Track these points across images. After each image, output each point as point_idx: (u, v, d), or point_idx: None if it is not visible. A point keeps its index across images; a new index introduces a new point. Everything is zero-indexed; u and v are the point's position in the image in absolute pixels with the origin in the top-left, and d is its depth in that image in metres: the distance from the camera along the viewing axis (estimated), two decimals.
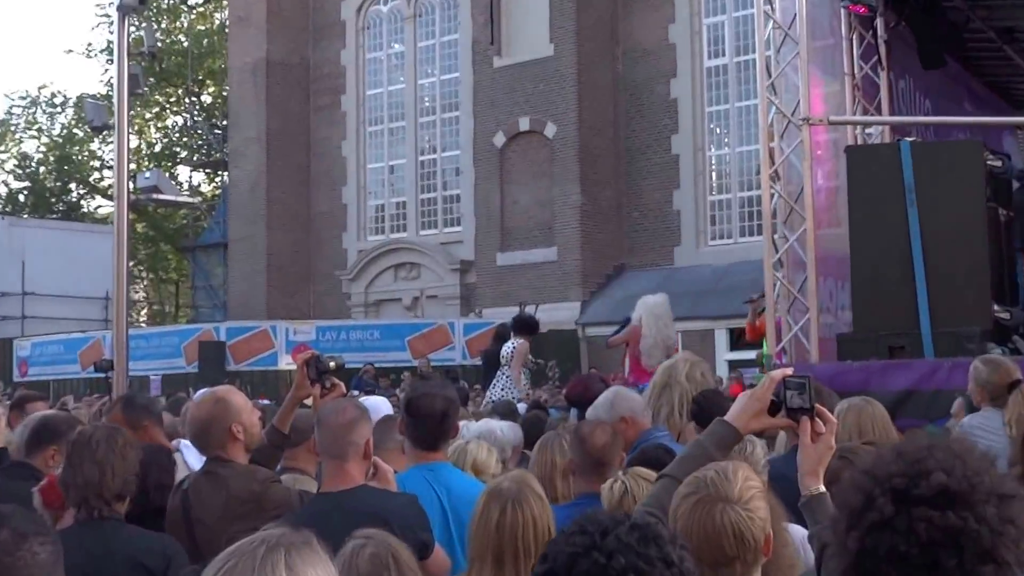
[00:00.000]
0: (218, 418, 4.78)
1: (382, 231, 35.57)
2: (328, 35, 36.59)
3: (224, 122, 41.29)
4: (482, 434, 6.43)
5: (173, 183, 44.10)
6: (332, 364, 5.15)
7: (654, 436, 5.90)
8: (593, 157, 30.14)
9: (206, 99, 49.72)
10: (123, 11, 14.91)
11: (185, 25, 50.58)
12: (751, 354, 20.47)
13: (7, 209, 48.81)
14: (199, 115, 46.82)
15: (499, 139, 31.12)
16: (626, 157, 30.91)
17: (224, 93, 43.35)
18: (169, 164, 48.97)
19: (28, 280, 37.64)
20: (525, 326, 15.14)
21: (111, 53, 41.94)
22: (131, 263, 39.13)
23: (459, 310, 31.99)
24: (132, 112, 38.24)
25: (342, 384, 5.18)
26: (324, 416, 4.47)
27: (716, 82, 30.20)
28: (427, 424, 4.94)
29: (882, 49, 13.58)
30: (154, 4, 47.47)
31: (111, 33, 45.97)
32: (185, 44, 48.35)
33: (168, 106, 51.35)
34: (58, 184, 51.51)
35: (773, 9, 11.73)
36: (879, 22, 13.52)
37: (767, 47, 11.67)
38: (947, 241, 10.30)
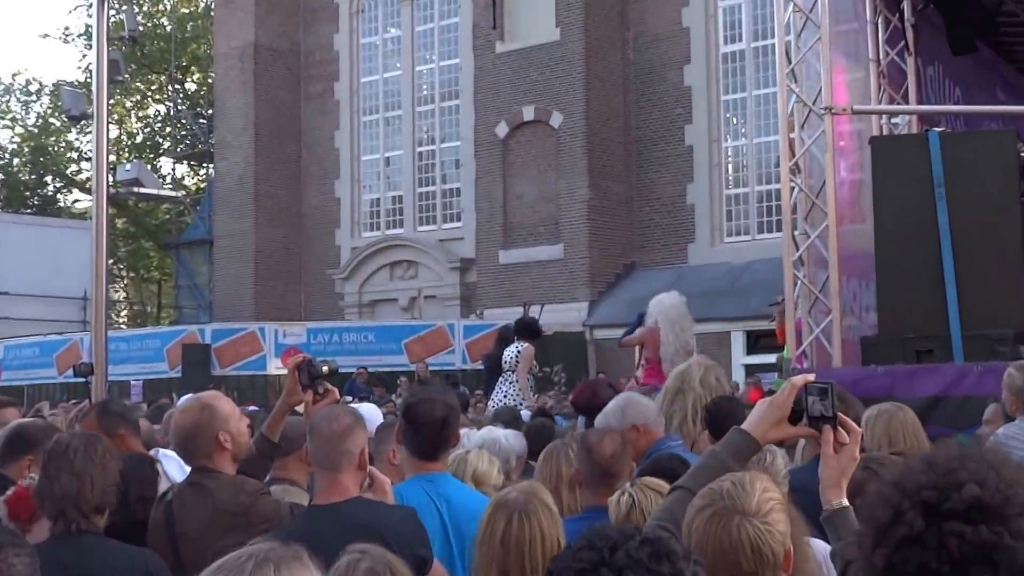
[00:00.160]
0: (204, 426, 4.77)
1: (377, 227, 35.58)
2: (320, 18, 36.60)
3: (209, 111, 41.30)
4: (485, 443, 6.43)
5: (155, 176, 44.29)
6: (325, 369, 5.14)
7: (667, 445, 5.90)
8: (602, 149, 30.14)
9: (190, 87, 49.74)
10: None
11: (168, 8, 50.63)
12: (769, 358, 20.48)
13: None
14: (183, 104, 46.82)
15: (502, 129, 31.12)
16: (637, 149, 30.91)
17: (209, 80, 43.37)
18: (151, 156, 49.01)
19: (1, 279, 37.64)
20: (528, 329, 15.13)
21: (89, 37, 42.01)
22: (110, 261, 39.20)
23: (459, 311, 31.99)
24: (112, 100, 38.21)
25: (336, 390, 5.18)
26: (316, 424, 4.47)
27: (732, 69, 30.19)
28: (426, 432, 4.93)
29: (909, 33, 13.58)
30: None
31: (89, 16, 46.11)
32: (168, 28, 48.39)
33: (150, 94, 51.35)
34: (33, 177, 51.54)
35: None
36: (906, 5, 13.52)
37: (787, 31, 11.66)
38: (978, 238, 10.29)
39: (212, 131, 39.34)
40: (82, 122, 35.47)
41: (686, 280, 26.30)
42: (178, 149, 45.40)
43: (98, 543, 4.35)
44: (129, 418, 6.14)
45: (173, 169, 48.72)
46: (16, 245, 38.10)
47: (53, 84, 50.83)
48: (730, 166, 30.72)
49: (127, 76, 35.74)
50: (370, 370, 25.11)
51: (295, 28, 36.95)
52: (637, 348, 13.54)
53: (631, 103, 30.96)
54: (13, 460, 5.51)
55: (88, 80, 42.91)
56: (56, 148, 51.71)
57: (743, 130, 30.44)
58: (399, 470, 5.16)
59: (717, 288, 27.00)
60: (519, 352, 14.34)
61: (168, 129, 48.79)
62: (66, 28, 69.63)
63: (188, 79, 49.76)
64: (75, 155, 51.94)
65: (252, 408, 14.14)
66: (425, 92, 34.95)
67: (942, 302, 10.27)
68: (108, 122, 15.64)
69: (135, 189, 40.42)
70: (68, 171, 52.09)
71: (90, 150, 37.55)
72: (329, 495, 4.34)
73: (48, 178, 52.10)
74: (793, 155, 11.45)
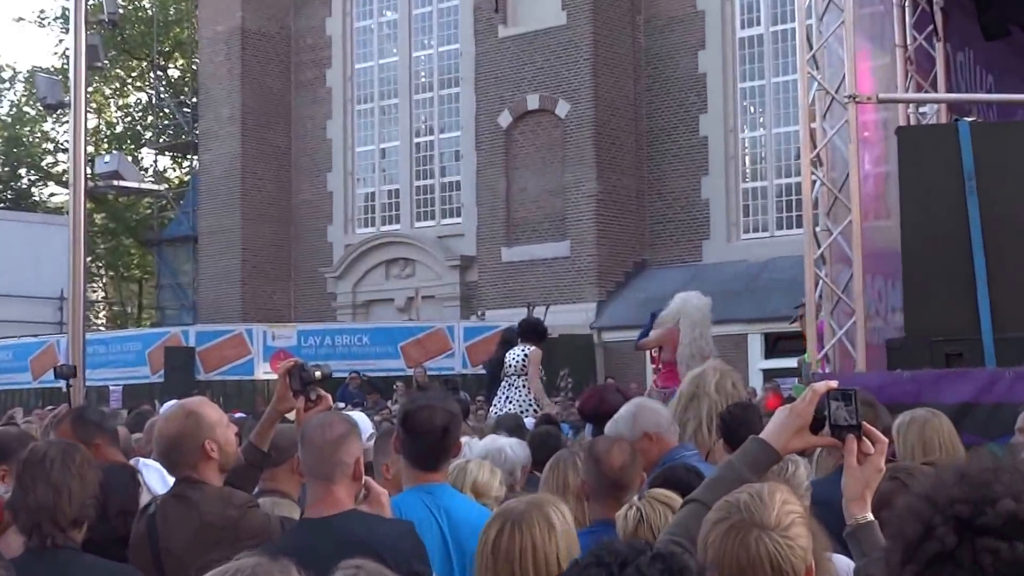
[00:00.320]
0: (189, 434, 4.76)
1: (372, 223, 35.59)
2: (311, 1, 36.61)
3: (194, 99, 41.31)
4: (489, 453, 6.43)
5: (136, 168, 44.25)
6: (318, 374, 5.13)
7: (681, 455, 5.90)
8: (611, 139, 30.14)
9: (173, 73, 49.75)
10: None
11: None
12: (789, 362, 20.46)
13: None
14: (165, 92, 46.81)
15: (504, 119, 31.12)
16: (648, 139, 30.91)
17: (194, 66, 43.38)
18: (131, 147, 49.00)
19: None
20: (534, 331, 15.09)
21: (66, 21, 41.96)
22: (88, 258, 39.18)
23: (459, 312, 31.99)
24: (90, 88, 38.21)
25: (329, 396, 5.18)
26: (308, 432, 4.46)
27: (750, 54, 30.19)
28: (426, 441, 4.93)
29: (938, 17, 13.55)
30: None
31: None
32: (150, 11, 48.41)
33: (130, 81, 51.37)
34: (6, 169, 51.57)
35: None
36: None
37: (808, 15, 11.64)
38: (1011, 234, 10.28)
39: (196, 121, 39.34)
40: (59, 111, 35.45)
41: (700, 279, 26.29)
42: (160, 140, 45.40)
43: (75, 559, 4.35)
44: (106, 427, 6.13)
45: (155, 161, 48.80)
46: None
47: (28, 71, 50.87)
48: (747, 158, 30.71)
49: (106, 62, 35.68)
50: (364, 375, 25.12)
51: (285, 11, 36.96)
52: (656, 352, 13.49)
53: (642, 91, 30.95)
54: None
55: (65, 66, 42.87)
56: (31, 139, 51.75)
57: (761, 120, 30.43)
58: (395, 483, 5.16)
59: (733, 288, 26.99)
60: (526, 356, 14.28)
61: (150, 118, 48.76)
62: (41, 11, 70.06)
63: (171, 65, 49.77)
64: (51, 146, 52.00)
65: (239, 415, 14.15)
66: (423, 79, 34.95)
67: (973, 303, 10.25)
68: (86, 111, 15.66)
69: (115, 182, 40.41)
70: (44, 163, 52.13)
71: (67, 141, 37.59)
72: (322, 508, 4.33)
73: (22, 170, 52.15)
74: (814, 146, 11.43)
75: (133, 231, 47.30)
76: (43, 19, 62.31)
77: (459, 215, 33.62)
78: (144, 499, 5.33)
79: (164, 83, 47.63)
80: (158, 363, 28.51)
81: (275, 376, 5.31)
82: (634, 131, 30.76)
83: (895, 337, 11.05)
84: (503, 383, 14.49)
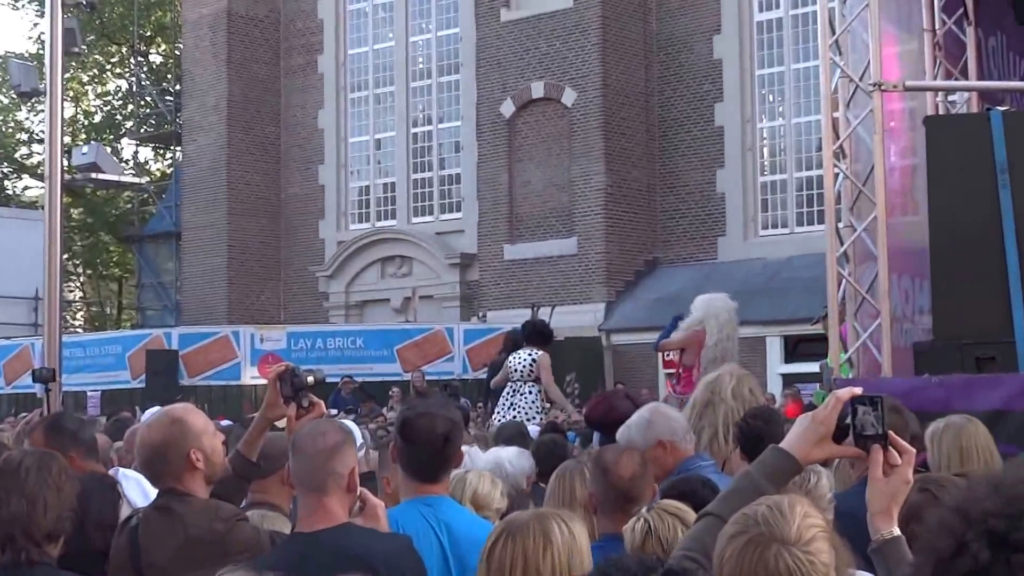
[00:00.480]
0: (174, 443, 4.76)
1: (366, 218, 35.60)
2: None
3: (177, 87, 41.30)
4: (497, 465, 6.45)
5: (115, 160, 44.24)
6: (310, 379, 5.13)
7: (696, 465, 5.90)
8: (620, 130, 30.14)
9: (155, 59, 49.75)
10: None
11: None
12: (810, 367, 20.46)
13: None
14: (147, 79, 46.81)
15: (507, 108, 31.13)
16: (660, 130, 30.91)
17: (177, 52, 43.36)
18: (110, 137, 49.00)
19: None
20: (540, 334, 15.08)
21: (41, 4, 41.97)
22: (65, 256, 39.14)
23: (459, 313, 31.99)
24: (66, 75, 38.20)
25: (322, 403, 5.18)
26: (300, 441, 4.46)
27: (768, 39, 30.18)
28: (426, 451, 4.93)
29: (968, 0, 13.55)
30: None
31: None
32: None
33: (109, 68, 51.37)
34: None
35: None
36: None
37: None
38: None
39: (179, 110, 39.33)
40: (33, 99, 35.42)
41: (716, 278, 26.29)
42: (141, 130, 45.37)
43: (50, 575, 4.35)
44: (81, 437, 6.14)
45: (135, 152, 48.81)
46: None
47: (0, 56, 50.88)
48: (765, 150, 30.71)
49: (84, 47, 35.71)
50: (358, 380, 25.12)
51: None
52: (668, 354, 13.49)
53: (653, 78, 30.94)
54: None
55: (40, 52, 42.87)
56: (4, 129, 51.75)
57: (780, 109, 30.42)
58: (395, 497, 5.16)
59: (751, 287, 26.96)
60: (534, 360, 14.26)
61: (130, 107, 48.74)
62: None
63: (153, 51, 49.76)
64: (25, 137, 51.96)
65: (225, 422, 14.14)
66: (421, 65, 34.95)
67: (1006, 303, 10.24)
68: (62, 99, 15.67)
69: (93, 175, 40.38)
70: (17, 155, 52.12)
71: (42, 131, 37.49)
72: (314, 521, 4.33)
73: None
74: (837, 137, 11.43)
75: (112, 227, 47.29)
76: (16, 2, 62.25)
77: (459, 210, 33.62)
78: (124, 511, 5.33)
79: (145, 69, 47.62)
80: (139, 367, 28.53)
81: (263, 381, 5.32)
82: (645, 121, 30.75)
83: (923, 340, 11.05)
84: (507, 389, 14.47)
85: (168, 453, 4.76)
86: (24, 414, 19.01)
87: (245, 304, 35.50)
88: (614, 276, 29.87)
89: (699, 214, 30.43)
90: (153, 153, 49.83)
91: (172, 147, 42.71)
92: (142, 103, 46.12)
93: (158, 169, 49.59)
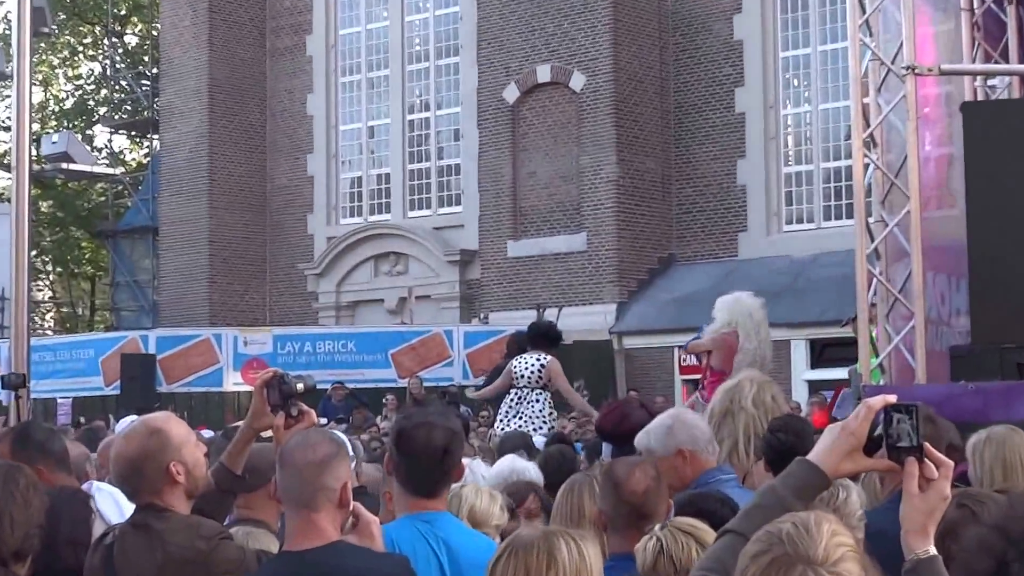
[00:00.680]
0: (152, 455, 4.77)
1: (358, 212, 35.60)
2: None
3: (154, 70, 41.32)
4: (511, 475, 6.47)
5: (88, 149, 44.26)
6: (300, 386, 5.12)
7: (716, 478, 5.90)
8: (633, 117, 30.14)
9: (131, 40, 49.75)
10: None
11: None
12: (838, 372, 20.44)
13: None
14: (121, 61, 46.84)
15: (511, 93, 31.13)
16: (676, 117, 30.90)
17: (154, 32, 43.38)
18: (82, 125, 49.00)
19: None
20: (546, 337, 15.05)
21: None
22: (33, 253, 39.16)
23: (459, 315, 31.99)
24: (35, 57, 38.12)
25: (312, 412, 5.17)
26: (288, 453, 4.46)
27: (793, 19, 30.18)
28: (423, 463, 4.93)
29: None
30: None
31: None
32: None
33: (82, 49, 51.35)
34: None
35: None
36: None
37: None
38: None
39: (157, 95, 39.35)
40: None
41: (736, 277, 26.30)
42: (116, 117, 45.39)
43: None
44: (50, 448, 6.14)
45: (109, 141, 48.73)
46: None
47: None
48: (790, 138, 30.70)
49: (54, 28, 35.74)
50: (349, 386, 25.11)
51: None
52: (686, 359, 13.45)
53: (669, 61, 30.94)
54: None
55: (7, 32, 42.91)
56: None
57: (806, 94, 30.41)
58: (391, 512, 5.17)
59: (774, 287, 26.90)
60: (543, 366, 14.22)
61: (103, 92, 48.77)
62: None
63: (128, 31, 49.76)
64: None
65: (207, 433, 14.15)
66: (418, 47, 34.95)
67: None
68: (31, 84, 15.67)
69: (63, 165, 40.43)
70: None
71: (9, 118, 37.46)
72: (303, 539, 4.33)
73: None
74: (867, 125, 11.43)
75: (84, 221, 47.27)
76: None
77: (458, 203, 33.61)
78: (98, 528, 5.33)
79: (120, 51, 47.64)
80: (113, 373, 28.53)
81: (248, 388, 5.33)
82: (660, 107, 30.74)
83: (959, 344, 11.05)
84: (511, 395, 14.43)
85: (146, 466, 4.76)
86: None
87: (228, 305, 35.50)
88: (626, 275, 29.86)
89: (718, 208, 30.42)
90: (128, 142, 49.80)
91: (149, 135, 42.71)
92: (116, 87, 46.15)
93: (134, 159, 49.57)
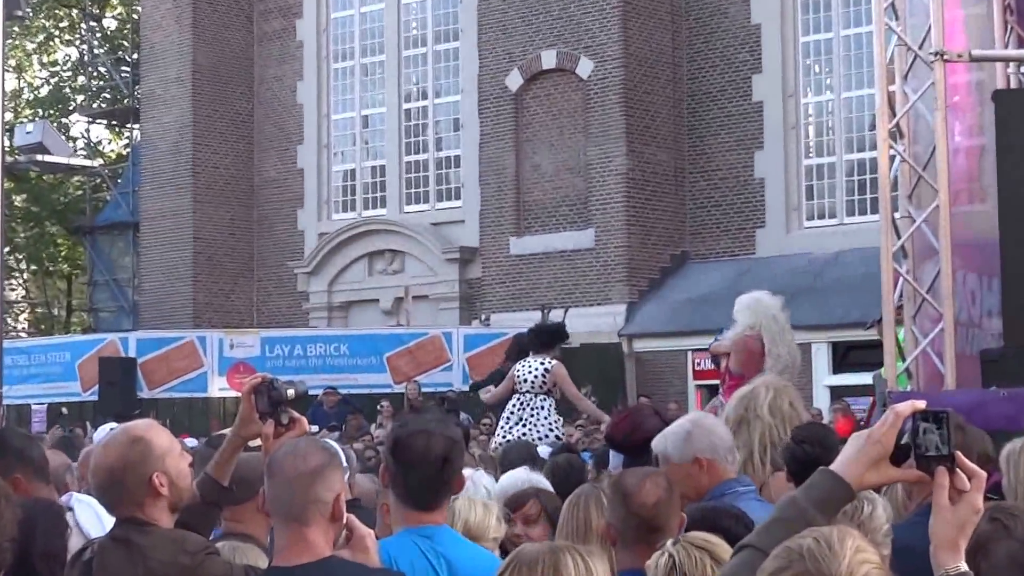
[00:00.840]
0: (134, 465, 4.76)
1: (352, 206, 35.60)
2: None
3: (134, 56, 41.33)
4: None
5: (64, 140, 44.26)
6: (291, 392, 5.12)
7: (734, 489, 5.90)
8: (644, 105, 30.14)
9: (110, 24, 49.77)
10: None
11: None
12: (862, 378, 20.43)
13: None
14: (100, 46, 46.84)
15: (514, 80, 31.12)
16: (690, 105, 30.90)
17: (135, 16, 43.37)
18: (58, 114, 49.03)
19: None
20: (548, 337, 15.03)
21: None
22: (6, 250, 39.17)
23: (458, 316, 31.99)
24: (9, 42, 38.13)
25: (304, 419, 5.17)
26: (278, 463, 4.47)
27: (815, 2, 30.17)
28: (421, 473, 4.93)
29: None
30: None
31: None
32: None
33: (58, 34, 51.37)
34: None
35: None
36: None
37: None
38: None
39: (137, 82, 39.34)
40: None
41: (753, 276, 26.29)
42: (94, 105, 45.41)
43: None
44: (29, 456, 6.14)
45: (87, 131, 48.81)
46: None
47: None
48: (811, 128, 30.69)
49: (28, 11, 35.76)
50: (342, 392, 25.12)
51: None
52: (700, 363, 13.42)
53: (682, 46, 30.93)
54: None
55: None
56: None
57: (828, 82, 30.41)
58: (388, 526, 5.17)
59: (794, 287, 26.89)
60: (547, 370, 14.20)
61: (81, 79, 48.79)
62: None
63: (107, 14, 49.77)
64: None
65: (192, 442, 14.16)
66: (415, 31, 34.95)
67: None
68: (4, 70, 15.69)
69: (38, 157, 40.42)
70: None
71: None
72: (293, 554, 4.34)
73: None
74: (893, 114, 11.44)
75: (61, 216, 47.27)
76: None
77: (458, 197, 33.63)
78: (77, 542, 5.33)
79: (99, 36, 47.64)
80: (91, 377, 28.53)
81: (234, 393, 5.33)
82: (672, 95, 30.74)
83: (991, 347, 11.05)
84: (513, 402, 14.41)
85: (127, 477, 4.75)
86: None
87: (213, 305, 35.51)
88: (636, 274, 29.86)
89: (734, 202, 30.42)
90: (107, 132, 49.83)
91: (129, 125, 42.70)
92: (95, 74, 46.14)
93: (113, 150, 49.58)
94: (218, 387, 28.13)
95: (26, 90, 51.09)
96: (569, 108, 30.57)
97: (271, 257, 36.03)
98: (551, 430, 14.03)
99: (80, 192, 45.71)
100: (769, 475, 6.83)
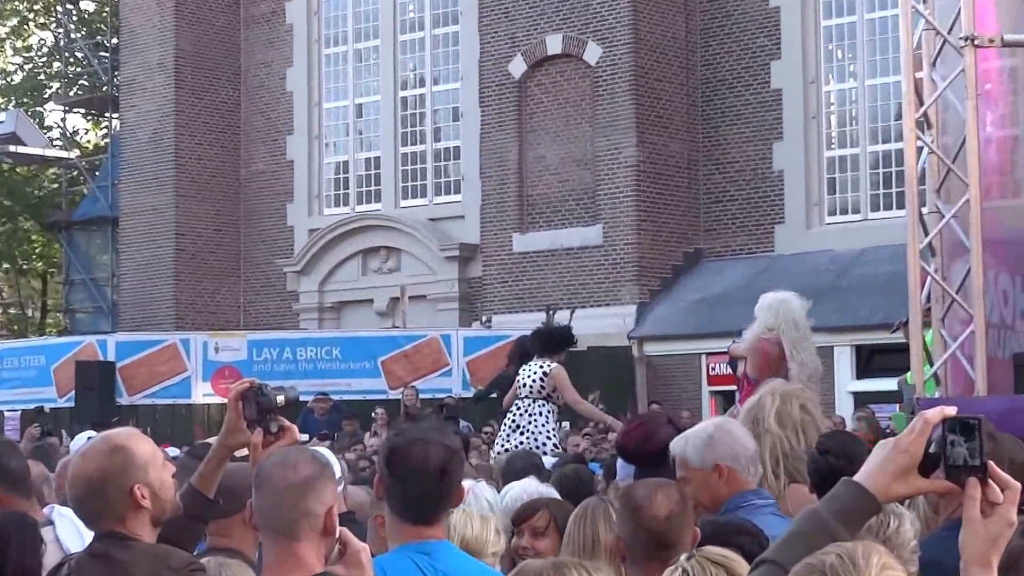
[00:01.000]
0: (114, 476, 4.76)
1: (345, 201, 35.62)
2: None
3: (114, 41, 41.34)
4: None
5: (39, 130, 44.28)
6: (280, 399, 5.13)
7: (750, 502, 5.90)
8: (655, 94, 30.14)
9: (87, 7, 49.79)
10: None
11: None
12: (888, 383, 20.43)
13: None
14: (77, 30, 46.88)
15: (517, 66, 31.13)
16: (704, 93, 30.91)
17: None
18: (32, 102, 49.04)
19: None
20: (552, 340, 15.03)
21: None
22: None
23: (458, 317, 32.00)
24: None
25: (294, 427, 5.17)
26: (266, 474, 4.47)
27: None
28: (418, 485, 4.93)
29: None
30: None
31: None
32: None
33: (32, 18, 51.39)
34: None
35: None
36: None
37: None
38: None
39: (117, 68, 39.35)
40: None
41: (772, 275, 26.31)
42: (70, 93, 45.44)
43: None
44: (7, 467, 6.15)
45: (63, 120, 48.81)
46: None
47: None
48: (833, 118, 30.70)
49: None
50: (334, 398, 25.12)
51: None
52: (713, 367, 13.40)
53: (696, 31, 30.94)
54: None
55: None
56: None
57: (851, 68, 30.40)
58: (383, 541, 5.18)
59: (815, 286, 26.88)
60: (546, 374, 14.21)
61: (56, 65, 48.84)
62: None
63: None
64: None
65: (175, 451, 14.18)
66: (411, 15, 34.96)
67: None
68: None
69: (11, 148, 40.46)
70: None
71: None
72: (283, 571, 4.34)
73: None
74: (921, 103, 11.44)
75: (35, 211, 47.33)
76: None
77: (457, 191, 33.64)
78: (54, 557, 5.34)
79: (75, 19, 47.67)
80: (67, 382, 28.53)
81: (220, 400, 5.33)
82: (686, 83, 30.74)
83: None
84: (514, 409, 14.44)
85: (107, 488, 4.76)
86: None
87: (196, 306, 35.52)
88: (647, 272, 29.86)
89: (751, 196, 30.42)
90: (85, 121, 49.87)
91: (108, 114, 42.72)
92: (71, 60, 46.19)
93: (90, 141, 49.62)
94: (202, 393, 28.13)
95: None
96: (576, 96, 30.57)
97: (259, 255, 36.05)
98: (549, 438, 14.02)
99: (56, 185, 45.72)
100: (785, 487, 6.83)
